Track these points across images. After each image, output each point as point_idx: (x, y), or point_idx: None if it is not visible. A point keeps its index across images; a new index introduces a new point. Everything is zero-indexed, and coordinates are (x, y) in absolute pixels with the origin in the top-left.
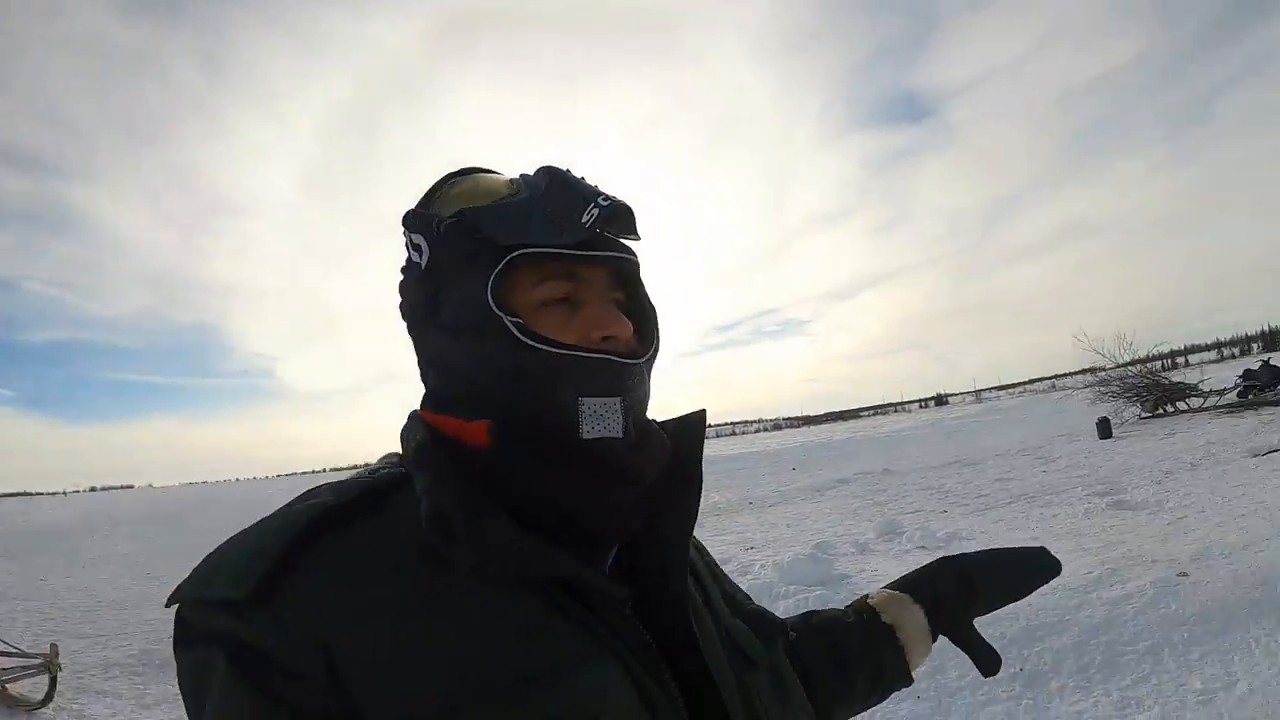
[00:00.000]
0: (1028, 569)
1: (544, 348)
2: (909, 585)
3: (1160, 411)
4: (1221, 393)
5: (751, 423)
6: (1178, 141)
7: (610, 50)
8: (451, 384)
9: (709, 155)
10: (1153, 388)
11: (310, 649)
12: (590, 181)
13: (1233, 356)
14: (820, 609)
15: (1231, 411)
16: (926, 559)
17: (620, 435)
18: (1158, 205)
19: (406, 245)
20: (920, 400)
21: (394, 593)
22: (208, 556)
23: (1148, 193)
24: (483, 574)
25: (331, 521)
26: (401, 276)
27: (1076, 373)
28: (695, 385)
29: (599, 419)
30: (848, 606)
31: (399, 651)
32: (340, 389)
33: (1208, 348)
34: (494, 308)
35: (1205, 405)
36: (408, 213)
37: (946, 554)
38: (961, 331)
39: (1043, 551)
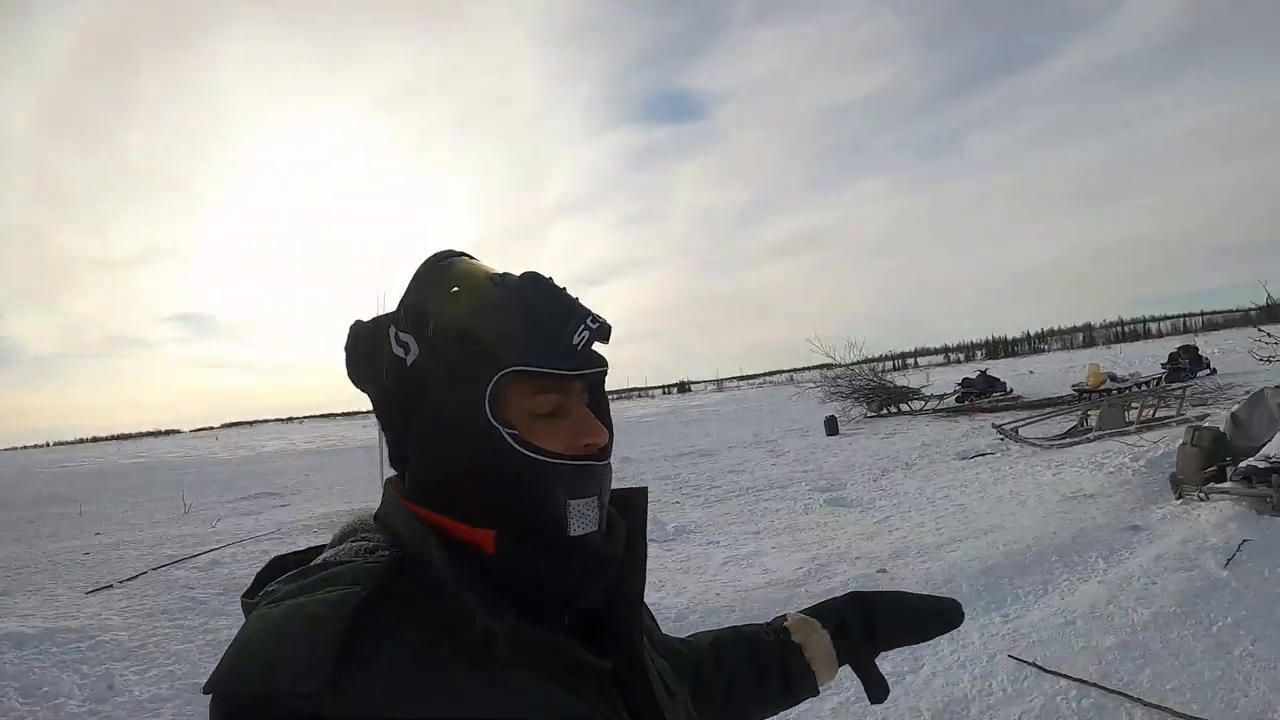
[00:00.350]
0: (929, 617)
1: (540, 458)
2: (820, 612)
3: (885, 412)
4: (941, 397)
5: None
6: (922, 169)
7: (386, 11)
8: (441, 481)
9: (467, 130)
10: (879, 389)
11: None
12: (571, 293)
13: (959, 361)
14: (745, 624)
15: (949, 415)
16: (655, 551)
17: (598, 528)
18: (899, 222)
19: (391, 338)
20: (664, 386)
21: (438, 677)
22: (249, 644)
23: (890, 210)
24: (506, 660)
25: (372, 613)
26: (370, 356)
27: (813, 368)
28: None
29: (583, 518)
30: (768, 624)
31: None
32: (79, 352)
33: (936, 351)
34: (491, 419)
35: (926, 408)
36: (396, 310)
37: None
38: (706, 323)
39: (952, 604)
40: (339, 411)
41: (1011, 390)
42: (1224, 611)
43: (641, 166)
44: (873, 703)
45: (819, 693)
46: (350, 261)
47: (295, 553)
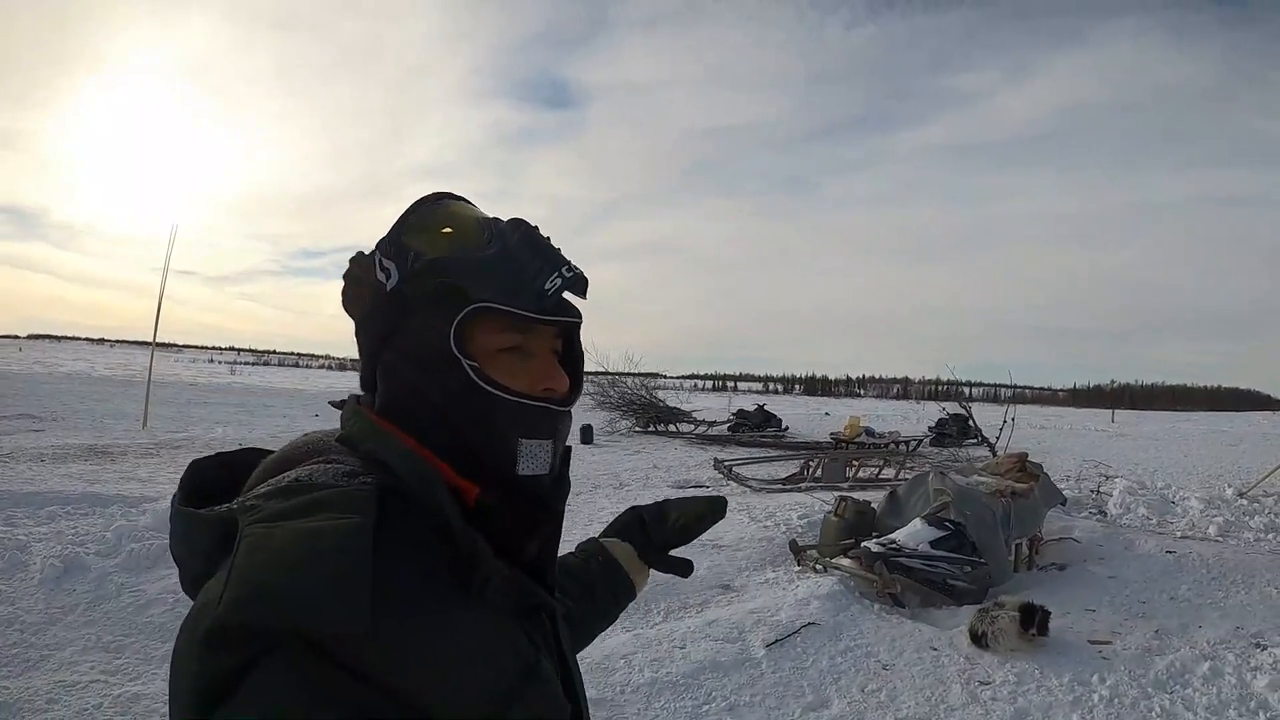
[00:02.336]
0: (694, 517)
1: (496, 393)
2: (617, 530)
3: (651, 429)
4: (713, 424)
5: (318, 356)
6: (776, 202)
7: None
8: (407, 404)
9: (336, 73)
10: (648, 406)
11: (405, 669)
12: (555, 244)
13: (777, 391)
14: (567, 553)
15: (705, 444)
16: None
17: (548, 472)
18: (746, 248)
19: (376, 263)
20: None
21: (441, 618)
22: (264, 570)
23: (738, 236)
24: (493, 603)
25: (384, 547)
26: (360, 281)
27: (596, 374)
28: (278, 309)
29: (533, 458)
30: (583, 550)
31: (460, 659)
32: None
33: (757, 379)
34: (455, 350)
35: (696, 432)
36: (385, 238)
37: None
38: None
39: (715, 500)
40: (164, 340)
41: (787, 428)
42: (729, 692)
43: (505, 144)
44: (684, 576)
45: (637, 595)
46: (193, 181)
47: (214, 458)
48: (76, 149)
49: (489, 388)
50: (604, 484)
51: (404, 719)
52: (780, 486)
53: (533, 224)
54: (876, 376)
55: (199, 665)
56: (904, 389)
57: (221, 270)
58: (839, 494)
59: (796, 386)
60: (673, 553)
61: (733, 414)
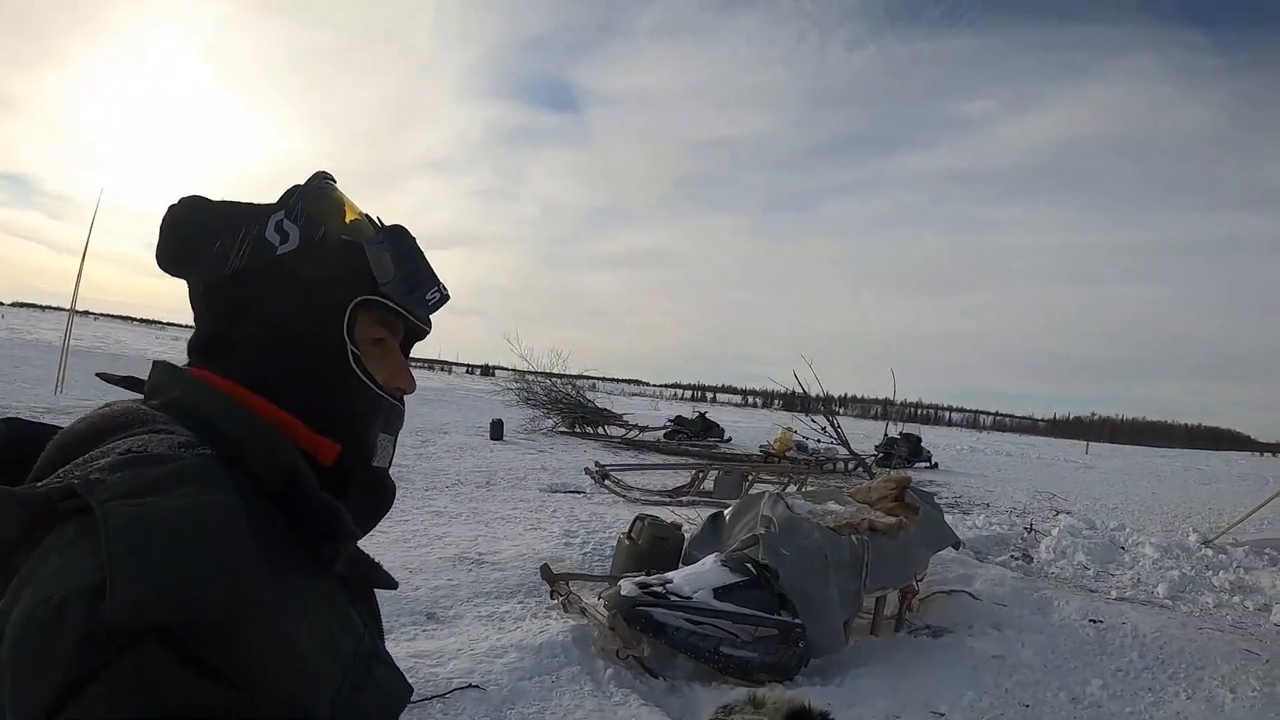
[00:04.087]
0: None
1: (369, 385)
2: None
3: (576, 430)
4: (645, 429)
5: None
6: (775, 219)
7: None
8: (272, 373)
9: (349, 57)
10: (575, 405)
11: (233, 644)
12: (429, 259)
13: (754, 405)
14: None
15: (637, 446)
16: None
17: (388, 466)
18: (741, 262)
19: (270, 223)
20: (469, 366)
21: (293, 586)
22: (152, 556)
23: (735, 249)
24: (327, 570)
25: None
26: (210, 234)
27: (523, 372)
28: None
29: (384, 452)
30: None
31: (315, 640)
32: None
33: (738, 391)
34: (344, 332)
35: (628, 435)
36: (286, 203)
37: None
38: (534, 313)
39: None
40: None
41: (729, 438)
42: None
43: (508, 143)
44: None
45: None
46: (194, 160)
47: (27, 423)
48: (78, 118)
49: (365, 379)
50: (469, 480)
51: (260, 711)
52: (660, 499)
53: (411, 234)
54: (859, 396)
55: (67, 667)
56: (884, 410)
57: None
58: (639, 516)
59: (776, 402)
60: None
61: (670, 420)
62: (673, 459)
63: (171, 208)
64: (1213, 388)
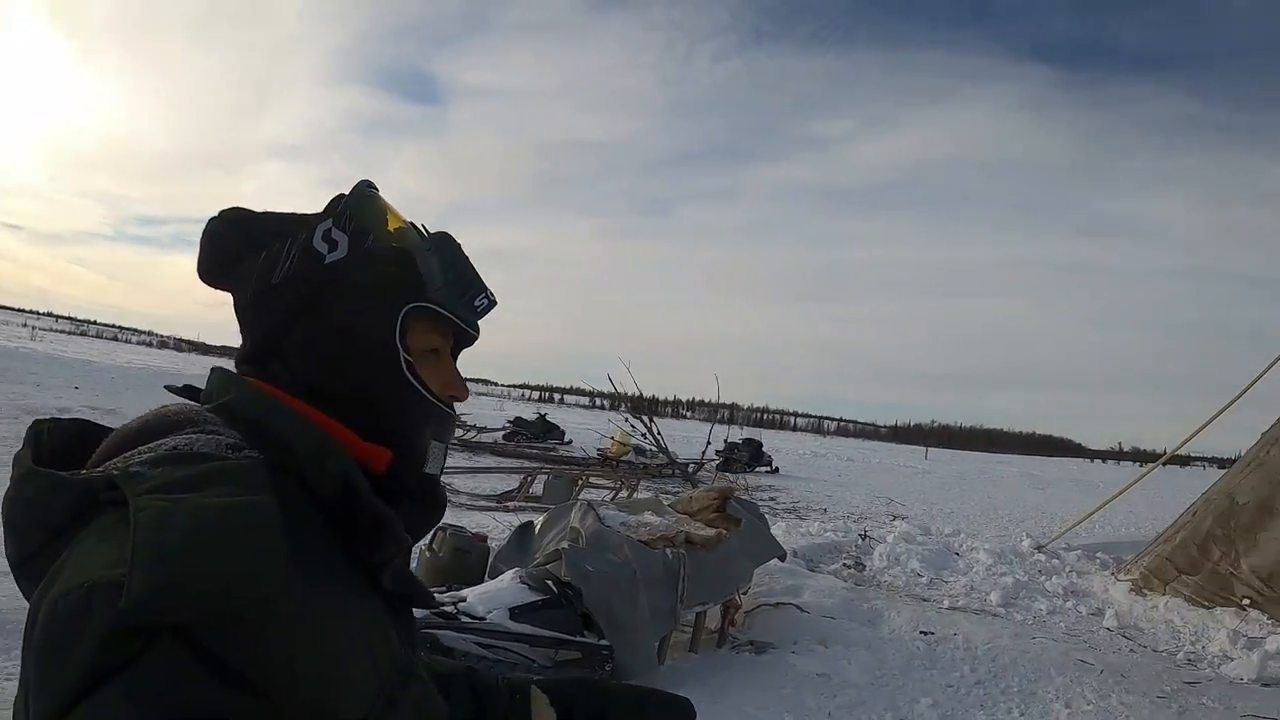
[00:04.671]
0: (651, 714)
1: (423, 391)
2: (555, 690)
3: None
4: (483, 430)
5: (141, 332)
6: (633, 220)
7: None
8: (328, 384)
9: (204, 29)
10: None
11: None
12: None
13: (602, 408)
14: (483, 670)
15: (472, 448)
16: None
17: (439, 473)
18: (594, 264)
19: (318, 234)
20: None
21: (333, 594)
22: (183, 550)
23: (588, 251)
24: (374, 582)
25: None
26: (254, 245)
27: None
28: (110, 278)
29: (436, 459)
30: (506, 679)
31: (348, 651)
32: None
33: (585, 393)
34: (397, 340)
35: (463, 437)
36: (337, 211)
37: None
38: None
39: (685, 705)
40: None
41: (569, 440)
42: None
43: (366, 132)
44: None
45: None
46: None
47: (53, 422)
48: None
49: (418, 385)
50: None
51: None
52: (486, 504)
53: (457, 240)
54: (706, 400)
55: (90, 658)
56: (731, 414)
57: (53, 228)
58: (446, 526)
59: (623, 404)
60: None
61: (509, 421)
62: (506, 461)
63: (212, 221)
64: (1047, 398)
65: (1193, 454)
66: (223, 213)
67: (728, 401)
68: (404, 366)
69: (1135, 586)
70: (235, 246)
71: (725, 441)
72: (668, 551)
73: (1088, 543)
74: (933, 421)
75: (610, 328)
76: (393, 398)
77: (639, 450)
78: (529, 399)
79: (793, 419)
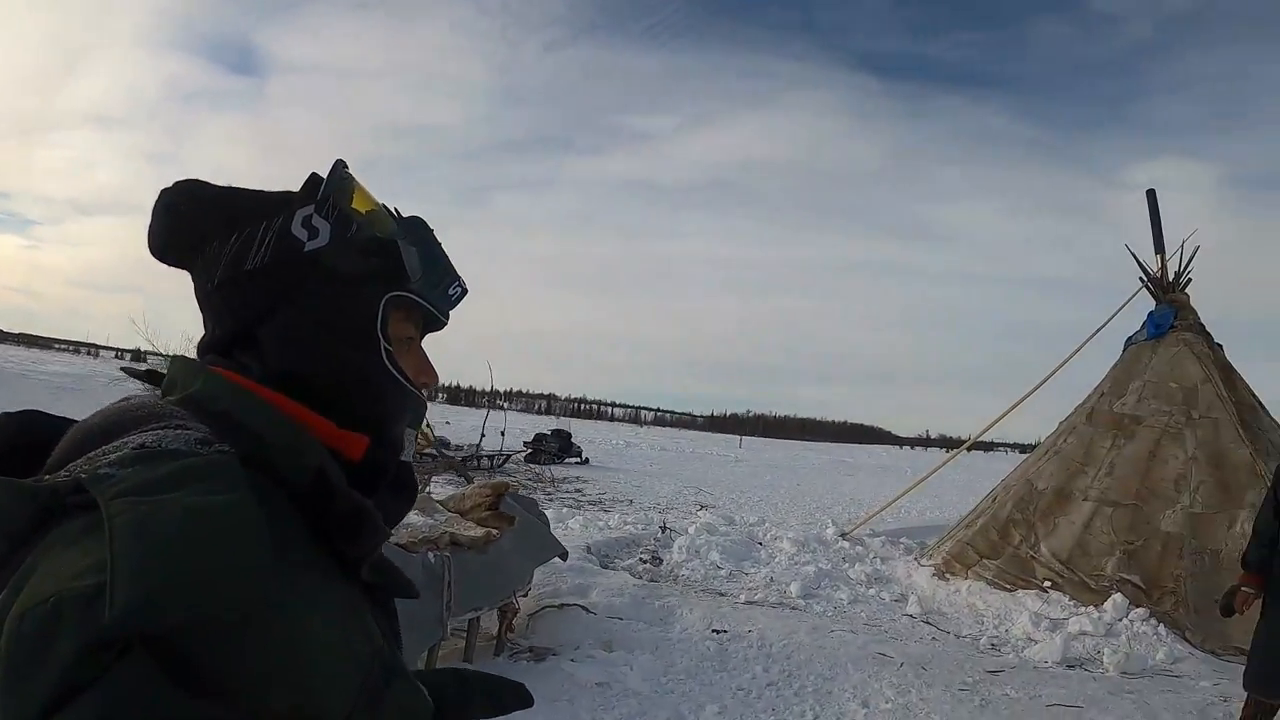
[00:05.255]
0: (505, 697)
1: (401, 380)
2: (430, 678)
3: None
4: None
5: None
6: (453, 209)
7: None
8: (308, 374)
9: None
10: None
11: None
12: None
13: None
14: None
15: None
16: None
17: (411, 459)
18: None
19: (296, 219)
20: (119, 349)
21: (311, 592)
22: (163, 556)
23: None
24: (352, 574)
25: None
26: (229, 224)
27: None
28: None
29: (409, 446)
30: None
31: (330, 649)
32: None
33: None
34: (378, 329)
35: None
36: (315, 196)
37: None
38: (189, 290)
39: (522, 689)
40: None
41: None
42: None
43: (184, 102)
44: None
45: None
46: None
47: (44, 415)
48: None
49: (397, 374)
50: None
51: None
52: None
53: (430, 226)
54: (523, 391)
55: (61, 674)
56: (549, 404)
57: None
58: None
59: (440, 395)
60: None
61: None
62: None
63: (169, 193)
64: (860, 390)
65: (995, 440)
66: (183, 185)
67: (544, 392)
68: (384, 356)
69: (938, 571)
70: (202, 225)
71: (535, 435)
72: (430, 555)
73: (893, 528)
74: (748, 411)
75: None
76: (373, 386)
77: (442, 442)
78: None
79: (610, 409)
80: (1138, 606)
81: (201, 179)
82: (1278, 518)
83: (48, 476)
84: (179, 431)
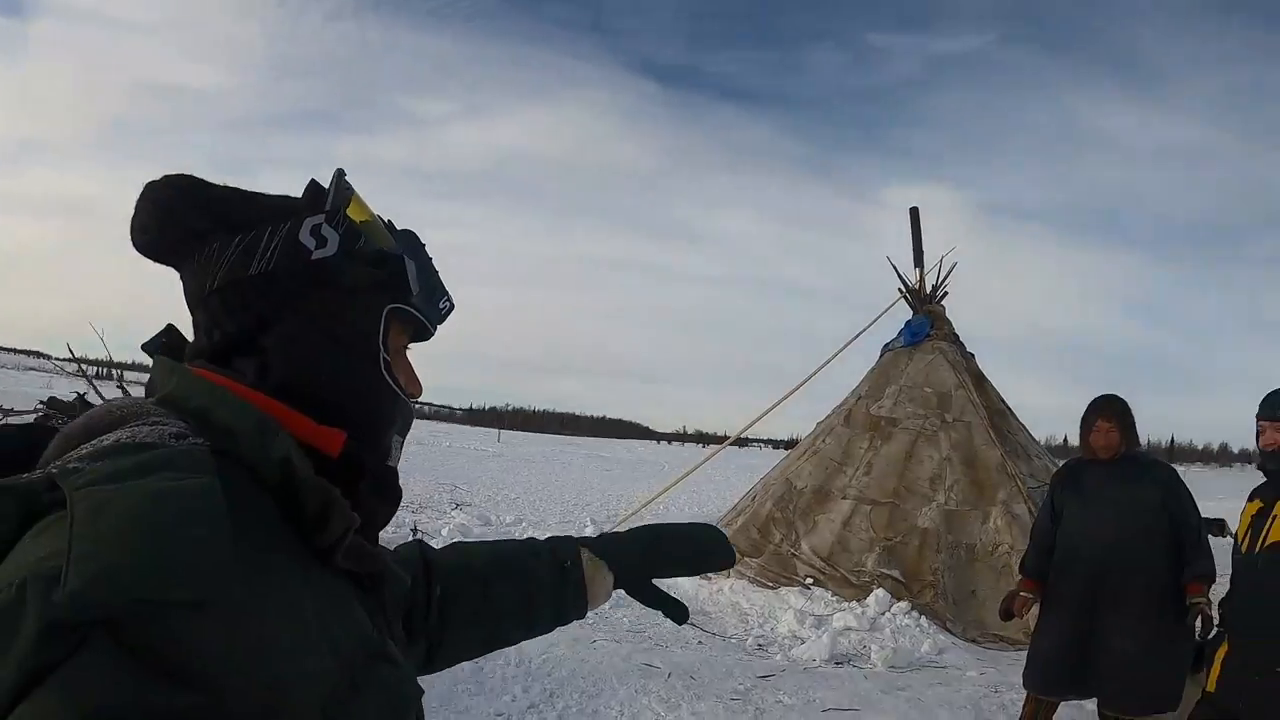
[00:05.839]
0: (704, 551)
1: (395, 389)
2: (604, 549)
3: None
4: (9, 411)
5: None
6: (211, 179)
7: None
8: (306, 380)
9: None
10: None
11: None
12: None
13: (103, 376)
14: (504, 540)
15: None
16: None
17: (397, 465)
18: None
19: (305, 227)
20: None
21: (284, 576)
22: (121, 537)
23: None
24: (329, 563)
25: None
26: (228, 226)
27: None
28: None
29: (397, 452)
30: (553, 551)
31: (305, 633)
32: None
33: (94, 362)
34: (380, 342)
35: None
36: (334, 208)
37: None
38: None
39: (724, 541)
40: None
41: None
42: None
43: None
44: (678, 624)
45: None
46: None
47: (42, 427)
48: None
49: (392, 384)
50: None
51: (226, 713)
52: None
53: (421, 240)
54: None
55: (24, 657)
56: None
57: None
58: None
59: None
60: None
61: (41, 402)
62: None
63: (159, 187)
64: (620, 386)
65: (752, 438)
66: (175, 180)
67: None
68: (382, 365)
69: None
70: (200, 225)
71: None
72: None
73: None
74: (507, 405)
75: (172, 298)
76: (370, 395)
77: None
78: (104, 375)
79: None
80: (899, 600)
81: (196, 175)
82: (1054, 523)
83: (23, 476)
84: (154, 427)
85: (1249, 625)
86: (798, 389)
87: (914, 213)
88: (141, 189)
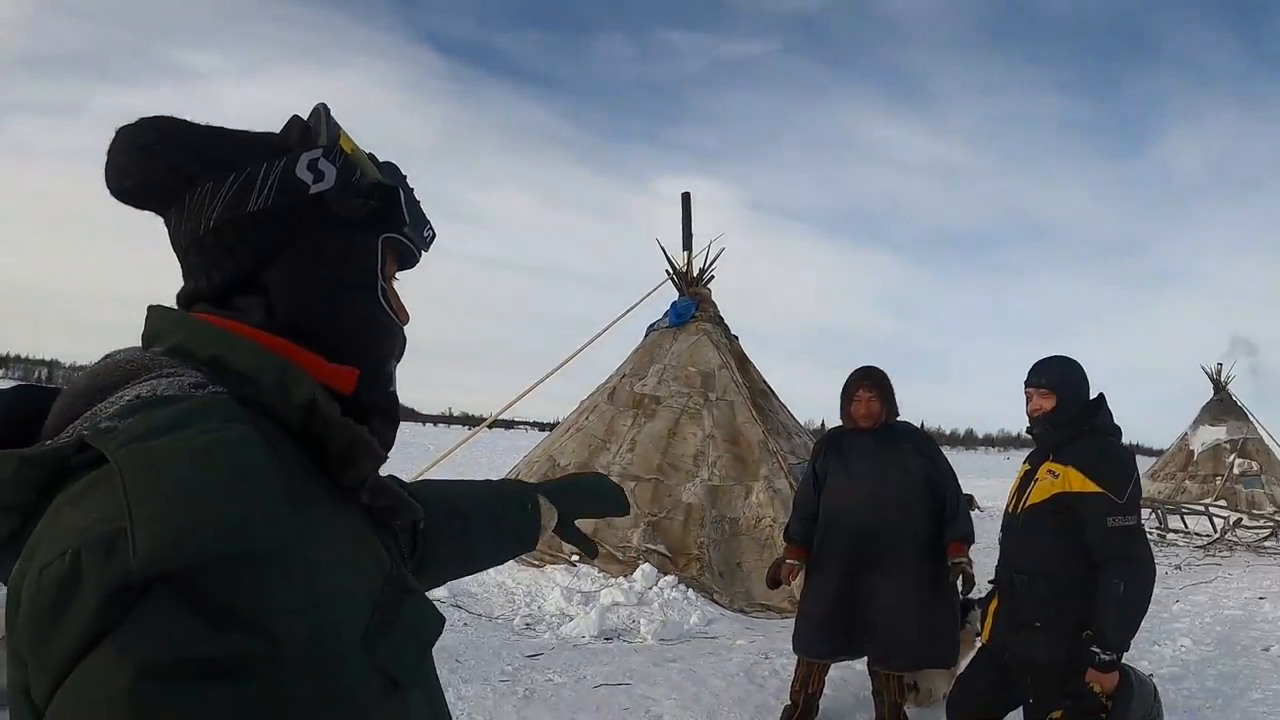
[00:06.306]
0: (612, 501)
1: (393, 316)
2: (549, 494)
3: None
4: None
5: None
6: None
7: None
8: (312, 315)
9: None
10: None
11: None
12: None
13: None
14: (471, 480)
15: None
16: None
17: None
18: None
19: (302, 162)
20: None
21: (316, 516)
22: (184, 493)
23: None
24: (353, 500)
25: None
26: (219, 166)
27: None
28: None
29: (394, 378)
30: (516, 492)
31: (340, 575)
32: None
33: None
34: (378, 270)
35: None
36: (330, 143)
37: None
38: None
39: (623, 493)
40: None
41: None
42: None
43: None
44: (590, 558)
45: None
46: None
47: (38, 388)
48: None
49: (391, 311)
50: None
51: (285, 655)
52: None
53: (404, 173)
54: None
55: (88, 622)
56: (49, 373)
57: None
58: None
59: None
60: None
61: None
62: None
63: (139, 131)
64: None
65: (517, 418)
66: (154, 121)
67: (46, 357)
68: (380, 293)
69: None
70: (187, 166)
71: None
72: None
73: None
74: None
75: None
76: (374, 328)
77: None
78: None
79: None
80: (666, 574)
81: (177, 116)
82: (817, 491)
83: (48, 442)
84: (171, 379)
85: (1011, 581)
86: (560, 368)
87: (685, 197)
88: (115, 133)
